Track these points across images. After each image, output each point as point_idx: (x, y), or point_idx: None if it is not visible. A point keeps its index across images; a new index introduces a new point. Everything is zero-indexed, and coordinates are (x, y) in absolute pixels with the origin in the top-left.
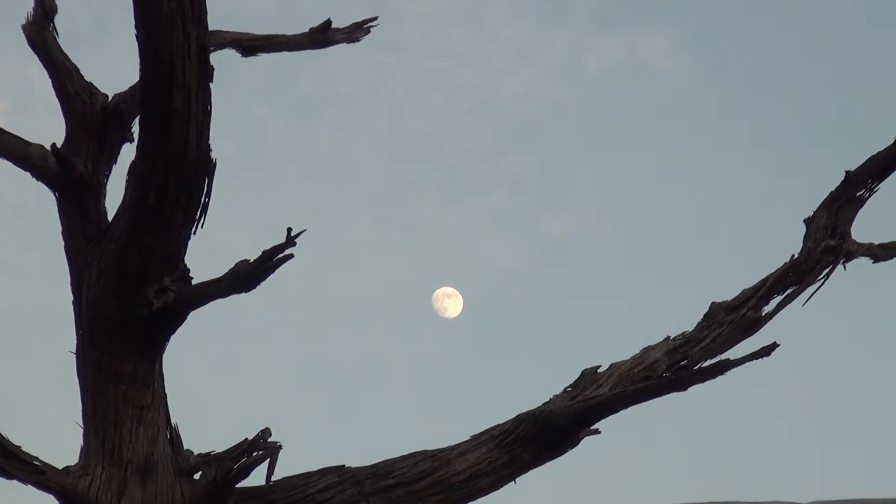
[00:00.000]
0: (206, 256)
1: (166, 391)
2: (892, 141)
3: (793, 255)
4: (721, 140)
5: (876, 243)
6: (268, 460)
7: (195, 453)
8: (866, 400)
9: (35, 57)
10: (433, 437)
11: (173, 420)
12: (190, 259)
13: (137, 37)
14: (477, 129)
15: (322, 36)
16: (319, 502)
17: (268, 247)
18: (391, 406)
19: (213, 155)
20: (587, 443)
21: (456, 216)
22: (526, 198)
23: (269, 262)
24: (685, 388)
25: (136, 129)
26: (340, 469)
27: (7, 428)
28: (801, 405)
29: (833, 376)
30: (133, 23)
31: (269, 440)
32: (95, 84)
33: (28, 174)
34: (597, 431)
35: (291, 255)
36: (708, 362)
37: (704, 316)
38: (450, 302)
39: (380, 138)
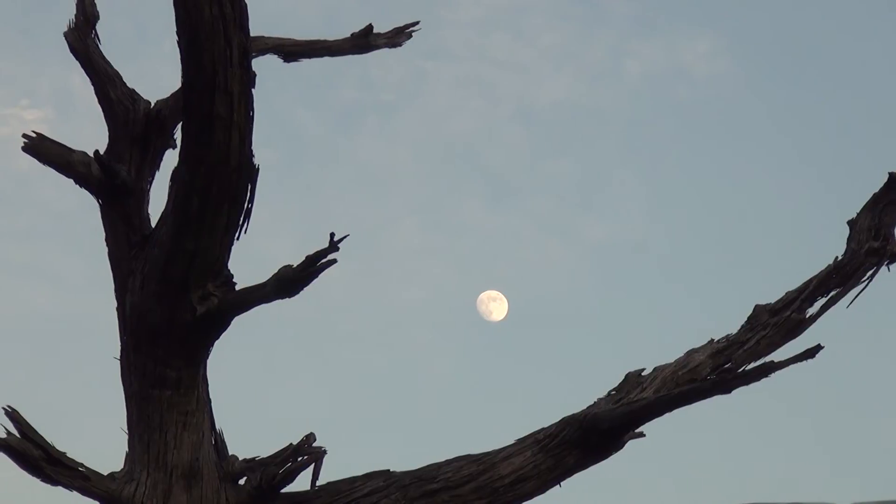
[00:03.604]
0: (249, 262)
1: (210, 396)
2: None
3: (836, 257)
4: (764, 143)
5: None
6: (313, 465)
7: (240, 458)
8: None
9: (77, 64)
10: (478, 440)
11: (218, 425)
12: (233, 265)
13: (179, 43)
14: (518, 135)
15: (364, 41)
16: None
17: (311, 252)
18: (436, 410)
19: (256, 161)
20: (631, 446)
21: (499, 221)
22: (568, 202)
23: (313, 267)
24: (729, 391)
25: (178, 135)
26: (385, 473)
27: (52, 434)
28: (842, 406)
29: (876, 377)
30: (175, 29)
31: (314, 445)
32: (137, 90)
33: (71, 181)
34: (641, 435)
35: (335, 261)
36: (752, 365)
37: (748, 318)
38: (495, 305)
39: (421, 144)
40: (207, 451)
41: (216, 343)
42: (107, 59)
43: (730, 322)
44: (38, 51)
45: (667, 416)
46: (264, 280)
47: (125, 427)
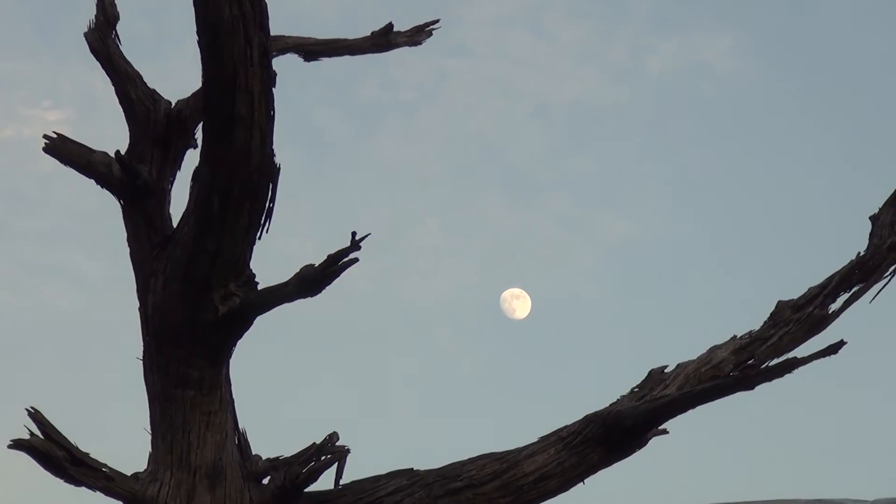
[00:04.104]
0: (271, 261)
1: (233, 396)
2: None
3: (859, 253)
4: (785, 139)
5: None
6: (336, 464)
7: (263, 458)
8: None
9: (98, 64)
10: (501, 438)
11: (241, 425)
12: (255, 264)
13: (199, 43)
14: (539, 133)
15: (384, 39)
16: None
17: (332, 251)
18: (459, 408)
19: (277, 160)
20: (654, 442)
21: (521, 219)
22: (590, 199)
23: (334, 266)
24: (752, 388)
25: (199, 135)
26: (409, 472)
27: (75, 435)
28: (866, 401)
29: None
30: (195, 29)
31: (337, 444)
32: (158, 90)
33: (92, 182)
34: (664, 431)
35: (356, 259)
36: (775, 361)
37: (771, 314)
38: (518, 303)
39: (443, 142)
40: (231, 451)
41: (238, 343)
42: (127, 59)
43: (752, 318)
44: (60, 52)
45: (690, 412)
46: (286, 279)
47: (148, 427)
